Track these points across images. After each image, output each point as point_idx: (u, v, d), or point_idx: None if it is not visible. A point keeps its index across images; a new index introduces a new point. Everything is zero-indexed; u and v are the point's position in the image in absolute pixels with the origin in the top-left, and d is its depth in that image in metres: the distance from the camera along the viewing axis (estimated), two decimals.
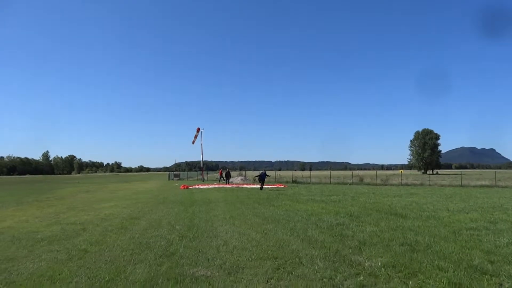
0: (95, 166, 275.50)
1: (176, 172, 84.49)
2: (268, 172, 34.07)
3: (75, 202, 19.65)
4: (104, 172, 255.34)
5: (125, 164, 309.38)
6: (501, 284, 5.22)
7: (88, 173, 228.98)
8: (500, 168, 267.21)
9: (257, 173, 37.13)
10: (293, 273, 5.93)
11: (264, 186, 30.30)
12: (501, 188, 31.02)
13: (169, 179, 65.88)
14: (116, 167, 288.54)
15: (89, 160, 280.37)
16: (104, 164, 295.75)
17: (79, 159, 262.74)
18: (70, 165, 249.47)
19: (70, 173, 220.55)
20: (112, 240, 8.81)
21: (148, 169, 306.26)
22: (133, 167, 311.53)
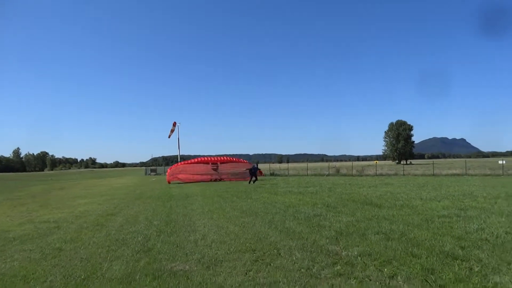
0: (69, 163, 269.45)
1: (153, 167, 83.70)
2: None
3: (49, 200, 19.18)
4: (79, 168, 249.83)
5: (100, 160, 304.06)
6: (471, 268, 5.41)
7: (61, 169, 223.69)
8: (470, 157, 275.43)
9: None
10: (272, 264, 5.98)
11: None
12: (470, 176, 32.11)
13: (145, 174, 65.29)
14: (91, 163, 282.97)
15: (63, 157, 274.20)
16: (78, 160, 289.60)
17: (52, 156, 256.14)
18: (42, 162, 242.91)
19: (43, 170, 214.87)
20: (88, 238, 8.65)
21: (124, 165, 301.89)
22: (108, 162, 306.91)
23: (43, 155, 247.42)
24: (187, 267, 5.98)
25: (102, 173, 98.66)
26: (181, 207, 13.94)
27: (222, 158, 37.10)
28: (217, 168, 35.54)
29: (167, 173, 35.05)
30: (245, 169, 33.35)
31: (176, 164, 36.61)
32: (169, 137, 56.35)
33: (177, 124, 54.15)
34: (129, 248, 7.43)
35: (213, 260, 6.33)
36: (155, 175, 62.17)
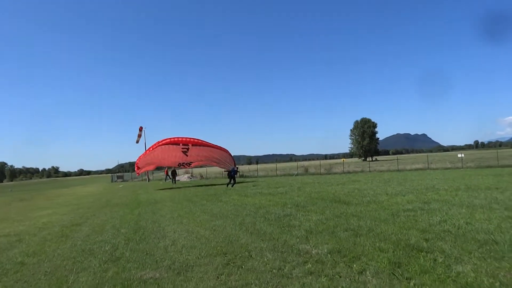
0: (30, 173, 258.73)
1: (119, 174, 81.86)
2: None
3: (9, 212, 18.34)
4: (40, 178, 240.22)
5: (63, 169, 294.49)
6: (435, 260, 5.61)
7: (22, 180, 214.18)
8: (431, 151, 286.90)
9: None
10: (243, 267, 5.96)
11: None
12: (432, 170, 33.40)
13: (112, 181, 63.69)
14: (54, 172, 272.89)
15: (23, 167, 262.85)
16: (40, 169, 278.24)
17: (11, 166, 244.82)
18: (1, 173, 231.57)
19: (2, 182, 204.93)
20: (52, 250, 8.33)
21: (89, 172, 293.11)
22: (72, 171, 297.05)
23: (1, 165, 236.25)
24: (157, 274, 5.87)
25: (66, 182, 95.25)
26: (149, 213, 13.68)
27: (196, 140, 29.84)
28: (187, 150, 29.53)
29: (135, 165, 32.21)
30: (218, 157, 30.09)
31: (144, 153, 31.59)
32: (137, 142, 55.52)
33: (143, 129, 53.49)
34: (96, 258, 7.21)
35: (183, 265, 6.25)
36: (122, 181, 60.77)
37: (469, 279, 4.77)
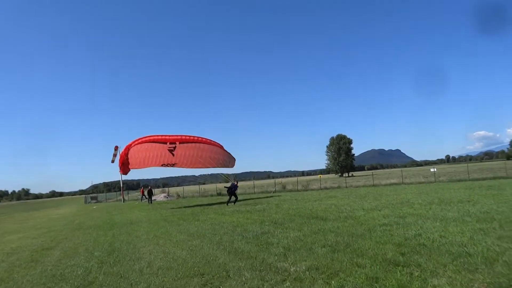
0: None
1: (93, 195, 79.89)
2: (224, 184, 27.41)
3: None
4: (10, 201, 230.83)
5: (34, 191, 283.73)
6: (411, 274, 5.67)
7: None
8: (405, 166, 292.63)
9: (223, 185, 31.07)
10: (221, 287, 5.86)
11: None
12: (407, 185, 34.07)
13: (85, 202, 61.89)
14: (24, 194, 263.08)
15: None
16: (9, 192, 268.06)
17: None
18: None
19: None
20: (21, 276, 7.95)
21: (61, 194, 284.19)
22: (43, 193, 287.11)
23: None
24: None
25: (37, 204, 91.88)
26: (124, 235, 13.31)
27: (185, 137, 25.48)
28: (173, 149, 24.96)
29: (119, 164, 27.69)
30: (210, 156, 25.44)
31: (125, 150, 26.64)
32: (112, 161, 54.41)
33: (119, 148, 52.59)
34: (68, 283, 6.93)
35: None
36: (96, 202, 59.18)
37: None
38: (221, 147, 27.26)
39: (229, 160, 27.71)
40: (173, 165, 25.39)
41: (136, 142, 25.39)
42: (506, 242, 7.16)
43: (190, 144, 25.20)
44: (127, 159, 26.01)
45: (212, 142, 26.46)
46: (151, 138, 25.03)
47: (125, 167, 27.01)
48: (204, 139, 25.82)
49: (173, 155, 24.87)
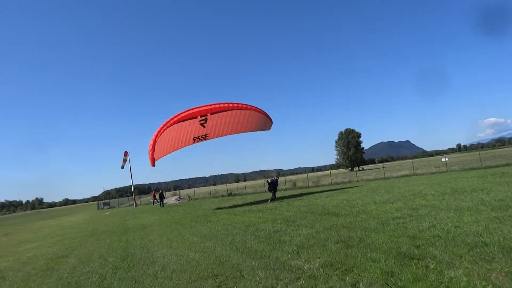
0: (13, 206, 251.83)
1: (105, 201, 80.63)
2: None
3: None
4: (24, 211, 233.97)
5: (47, 200, 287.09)
6: (427, 266, 5.59)
7: (5, 214, 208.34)
8: (416, 157, 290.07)
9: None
10: None
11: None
12: (418, 176, 33.75)
13: (98, 209, 62.49)
14: (38, 204, 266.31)
15: (5, 200, 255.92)
16: (24, 202, 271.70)
17: None
18: None
19: None
20: (37, 285, 8.06)
21: (74, 202, 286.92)
22: (57, 201, 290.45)
23: None
24: None
25: (50, 213, 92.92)
26: (138, 239, 13.39)
27: (216, 106, 22.38)
28: (205, 122, 22.29)
29: (150, 156, 22.74)
30: (245, 121, 22.89)
31: (153, 138, 22.30)
32: (122, 167, 54.90)
33: (128, 153, 52.92)
34: None
35: None
36: (108, 208, 59.68)
37: (462, 284, 4.76)
38: (256, 109, 24.17)
39: (265, 123, 24.98)
40: (205, 137, 23.02)
41: (164, 127, 22.10)
42: None
43: (221, 113, 22.60)
44: (154, 151, 22.73)
45: (245, 106, 23.52)
46: (179, 117, 21.93)
47: (153, 158, 23.24)
48: (235, 105, 23.11)
49: (204, 127, 22.47)
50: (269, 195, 25.40)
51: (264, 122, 24.61)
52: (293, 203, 20.13)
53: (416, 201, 13.60)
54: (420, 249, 6.61)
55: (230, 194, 45.52)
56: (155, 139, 22.25)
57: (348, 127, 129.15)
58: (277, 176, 24.80)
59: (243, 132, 23.89)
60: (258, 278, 6.15)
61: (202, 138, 22.86)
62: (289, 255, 7.49)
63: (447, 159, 43.76)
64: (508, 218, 8.38)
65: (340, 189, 28.85)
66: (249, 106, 23.46)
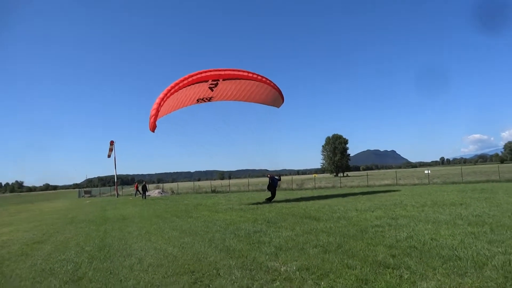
0: None
1: (87, 189, 79.72)
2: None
3: None
4: (3, 193, 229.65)
5: (28, 183, 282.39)
6: (401, 276, 5.68)
7: None
8: (400, 167, 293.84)
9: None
10: (210, 285, 5.85)
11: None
12: (401, 186, 34.13)
13: (79, 196, 61.70)
14: (17, 187, 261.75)
15: None
16: (3, 184, 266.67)
17: None
18: None
19: None
20: (10, 270, 7.91)
21: (55, 187, 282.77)
22: (37, 186, 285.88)
23: None
24: None
25: (30, 197, 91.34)
26: (116, 231, 13.26)
27: (228, 72, 20.65)
28: (214, 86, 20.72)
29: (152, 119, 19.30)
30: (258, 93, 21.79)
31: (158, 102, 19.37)
32: (108, 156, 54.30)
33: (114, 143, 52.42)
34: (57, 278, 6.90)
35: (149, 285, 6.07)
36: (89, 197, 58.95)
37: None
38: (271, 83, 22.56)
39: (276, 99, 23.72)
40: (209, 99, 21.64)
41: (172, 90, 19.85)
42: (496, 247, 7.18)
43: (234, 81, 21.12)
44: (157, 116, 20.02)
45: (260, 77, 21.99)
46: (189, 80, 19.90)
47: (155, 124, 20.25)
48: (251, 75, 21.48)
49: (212, 91, 20.99)
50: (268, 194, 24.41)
51: (275, 98, 23.44)
52: (275, 204, 20.19)
53: (396, 211, 13.77)
54: (396, 258, 6.70)
55: (213, 191, 45.39)
56: (161, 103, 19.80)
57: (336, 133, 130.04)
58: (279, 176, 24.27)
59: (251, 101, 22.71)
60: (234, 277, 6.16)
61: (206, 100, 21.47)
62: (267, 256, 7.52)
63: (429, 171, 44.39)
64: (483, 234, 8.55)
65: (323, 194, 29.04)
66: (264, 79, 22.01)
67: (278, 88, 22.71)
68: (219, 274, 6.46)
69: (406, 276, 5.64)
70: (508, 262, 6.06)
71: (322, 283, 5.59)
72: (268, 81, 22.05)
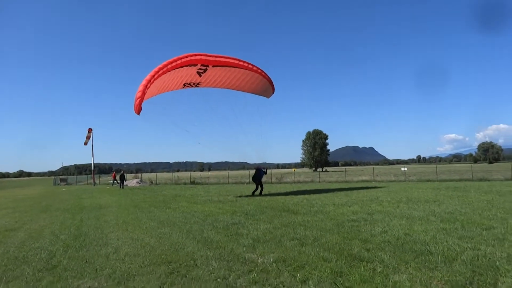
0: None
1: (63, 177, 78.13)
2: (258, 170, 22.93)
3: None
4: None
5: (0, 169, 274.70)
6: (374, 269, 5.83)
7: None
8: (378, 164, 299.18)
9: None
10: (187, 276, 5.86)
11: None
12: (378, 182, 34.78)
13: (54, 184, 60.45)
14: None
15: None
16: None
17: None
18: None
19: None
20: None
21: (29, 174, 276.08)
22: (10, 172, 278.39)
23: None
24: (96, 283, 5.62)
25: (2, 183, 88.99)
26: (93, 219, 13.09)
27: (219, 59, 19.77)
28: (203, 72, 19.82)
29: (137, 102, 17.92)
30: (248, 82, 21.22)
31: (145, 84, 18.01)
32: (85, 144, 53.24)
33: (93, 130, 51.44)
34: (30, 266, 6.78)
35: (125, 275, 6.02)
36: (65, 185, 57.80)
37: None
38: (262, 73, 21.98)
39: (266, 89, 23.32)
40: (197, 84, 20.85)
41: (160, 72, 18.60)
42: (466, 242, 7.44)
43: (224, 68, 20.36)
44: (142, 99, 18.72)
45: (251, 66, 21.27)
46: (178, 62, 18.82)
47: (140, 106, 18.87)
48: (241, 63, 20.78)
49: (200, 76, 20.20)
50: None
51: (266, 88, 22.99)
52: (255, 197, 20.29)
53: (372, 206, 14.05)
54: (370, 252, 6.87)
55: (192, 183, 45.20)
56: (147, 85, 18.57)
57: (316, 128, 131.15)
58: (265, 168, 23.82)
59: (240, 90, 22.09)
60: (211, 268, 6.19)
61: (193, 85, 20.69)
62: (245, 248, 7.58)
63: (406, 169, 45.41)
64: (454, 230, 8.84)
65: (302, 188, 29.34)
66: (255, 68, 21.37)
67: (269, 78, 22.36)
68: (196, 264, 6.47)
69: (379, 269, 5.80)
70: (476, 257, 6.30)
71: (298, 274, 5.69)
72: (259, 71, 21.58)
